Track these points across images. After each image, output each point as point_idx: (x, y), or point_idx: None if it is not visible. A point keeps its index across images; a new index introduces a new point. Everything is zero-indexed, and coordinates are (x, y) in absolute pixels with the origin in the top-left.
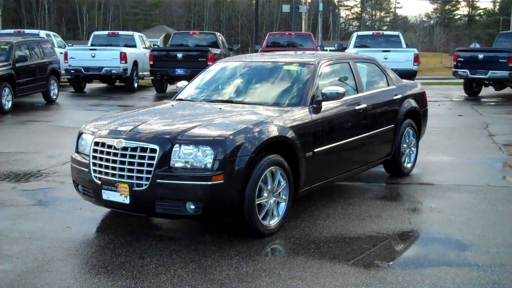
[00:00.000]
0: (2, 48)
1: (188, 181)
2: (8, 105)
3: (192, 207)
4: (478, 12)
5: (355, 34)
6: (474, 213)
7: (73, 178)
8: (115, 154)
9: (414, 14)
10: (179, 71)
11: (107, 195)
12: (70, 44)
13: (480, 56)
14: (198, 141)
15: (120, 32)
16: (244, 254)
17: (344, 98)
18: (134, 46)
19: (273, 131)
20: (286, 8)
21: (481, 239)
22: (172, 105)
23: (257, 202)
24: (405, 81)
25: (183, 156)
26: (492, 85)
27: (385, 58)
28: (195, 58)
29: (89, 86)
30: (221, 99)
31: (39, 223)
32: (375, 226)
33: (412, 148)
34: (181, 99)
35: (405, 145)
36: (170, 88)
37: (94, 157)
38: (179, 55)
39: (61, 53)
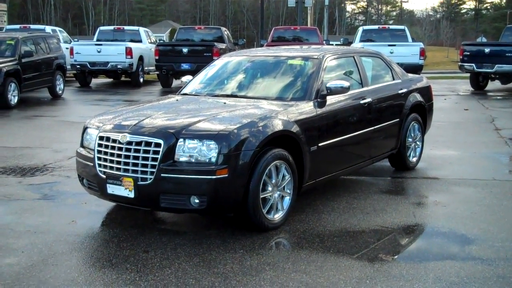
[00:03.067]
0: (8, 43)
1: (192, 175)
2: (14, 100)
3: (197, 201)
4: (485, 6)
5: (361, 29)
6: (479, 207)
7: (78, 172)
8: (120, 149)
9: (421, 8)
10: (185, 66)
11: (112, 189)
12: (76, 39)
13: (487, 50)
14: (202, 135)
15: (126, 27)
16: (248, 248)
17: (349, 92)
18: (140, 41)
19: (278, 125)
20: (291, 2)
21: (486, 233)
22: (177, 100)
23: (261, 196)
24: (410, 75)
25: (188, 150)
26: (498, 79)
27: (391, 52)
28: (201, 53)
29: (95, 81)
30: (226, 93)
31: (44, 217)
32: (379, 220)
33: (418, 142)
34: (185, 94)
35: (410, 139)
36: (175, 83)
37: (99, 152)
38: (185, 50)
39: (67, 48)
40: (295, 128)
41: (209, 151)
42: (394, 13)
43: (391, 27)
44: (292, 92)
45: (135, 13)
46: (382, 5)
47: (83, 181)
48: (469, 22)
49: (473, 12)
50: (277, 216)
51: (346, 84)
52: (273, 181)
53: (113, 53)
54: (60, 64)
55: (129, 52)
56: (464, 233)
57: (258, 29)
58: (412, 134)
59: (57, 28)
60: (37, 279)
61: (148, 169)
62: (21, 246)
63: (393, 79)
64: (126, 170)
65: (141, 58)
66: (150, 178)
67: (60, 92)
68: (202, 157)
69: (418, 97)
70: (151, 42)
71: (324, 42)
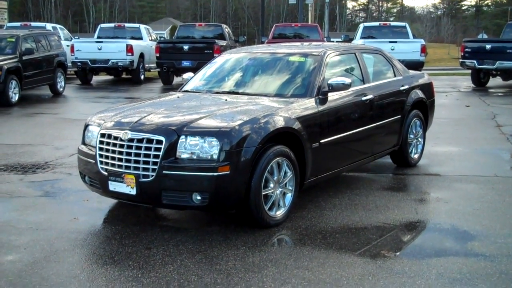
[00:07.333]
0: (9, 41)
1: (194, 172)
2: (15, 97)
3: (199, 198)
4: (486, 2)
5: (361, 25)
6: (481, 204)
7: (80, 169)
8: (122, 146)
9: (421, 4)
10: (186, 63)
11: (113, 186)
12: (77, 37)
13: (488, 46)
14: (204, 132)
15: (127, 25)
16: (250, 245)
17: (351, 89)
18: (141, 38)
19: (279, 122)
20: None
21: (488, 229)
22: (178, 97)
23: (263, 193)
24: (412, 72)
25: (189, 147)
26: (499, 75)
27: (392, 49)
28: (201, 50)
29: (96, 79)
30: (227, 90)
31: (46, 214)
32: (381, 217)
33: (419, 139)
34: (187, 91)
35: (412, 136)
36: (176, 80)
37: (101, 149)
38: (185, 47)
39: (67, 45)
40: (296, 125)
41: (211, 148)
42: (395, 10)
43: (392, 24)
44: (294, 89)
45: (136, 11)
46: (383, 2)
47: (84, 178)
48: (470, 18)
49: (474, 9)
50: (279, 213)
51: (347, 80)
52: (275, 178)
53: (114, 50)
54: (61, 61)
55: (129, 49)
56: (466, 230)
57: (259, 26)
58: (414, 131)
59: (57, 26)
60: (40, 276)
61: (150, 166)
62: (23, 243)
63: (395, 75)
64: (127, 167)
65: (141, 56)
66: (152, 175)
67: (61, 89)
68: (203, 154)
69: (419, 93)
70: (151, 40)
71: (325, 39)
